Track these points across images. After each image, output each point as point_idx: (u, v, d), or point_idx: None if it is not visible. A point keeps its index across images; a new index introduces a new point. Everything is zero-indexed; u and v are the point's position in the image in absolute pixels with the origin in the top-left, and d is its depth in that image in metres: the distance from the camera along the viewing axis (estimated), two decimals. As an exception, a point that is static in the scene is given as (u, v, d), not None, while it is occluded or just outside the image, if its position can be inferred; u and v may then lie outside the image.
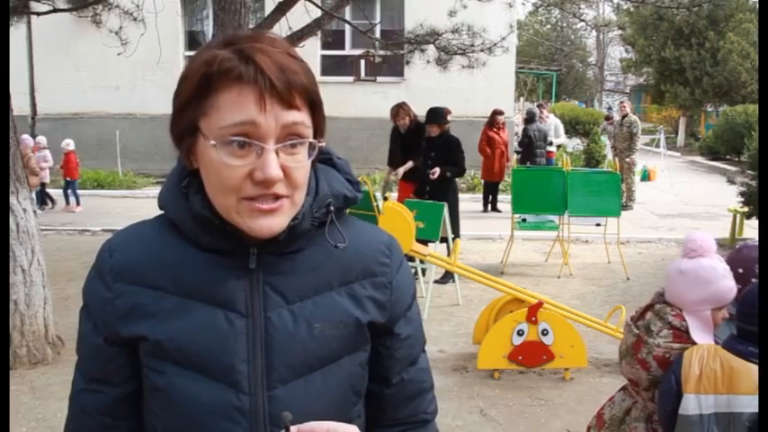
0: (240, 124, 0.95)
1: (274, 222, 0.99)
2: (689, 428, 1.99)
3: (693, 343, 2.15)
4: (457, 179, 7.36)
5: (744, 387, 1.94)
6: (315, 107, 1.02)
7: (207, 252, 1.05)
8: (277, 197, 0.98)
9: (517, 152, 12.08)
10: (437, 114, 7.06)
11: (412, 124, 7.44)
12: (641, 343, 2.27)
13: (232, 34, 1.03)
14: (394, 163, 7.72)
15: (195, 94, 0.98)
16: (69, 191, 10.99)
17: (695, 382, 2.00)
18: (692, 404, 1.99)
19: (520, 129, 15.53)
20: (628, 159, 11.20)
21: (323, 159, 1.12)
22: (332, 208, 1.08)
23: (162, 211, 1.10)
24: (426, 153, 7.07)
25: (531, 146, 11.34)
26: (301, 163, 0.99)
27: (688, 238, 2.31)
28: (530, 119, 11.62)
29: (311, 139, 1.01)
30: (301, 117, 0.98)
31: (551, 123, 13.03)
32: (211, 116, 0.97)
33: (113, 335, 1.06)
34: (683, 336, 2.21)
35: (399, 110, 7.52)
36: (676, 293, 2.29)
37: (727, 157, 19.41)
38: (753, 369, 1.94)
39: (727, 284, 2.21)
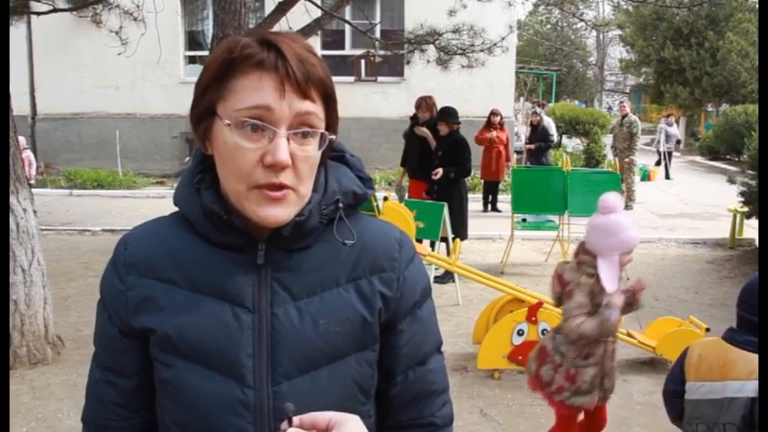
0: (256, 108, 0.97)
1: (281, 212, 1.00)
2: (691, 411, 2.16)
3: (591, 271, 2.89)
4: (465, 180, 7.22)
5: (736, 373, 2.04)
6: (329, 101, 1.04)
7: (217, 248, 1.06)
8: (282, 187, 0.99)
9: (518, 152, 12.07)
10: (447, 114, 6.99)
11: (431, 121, 7.16)
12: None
13: (254, 30, 1.05)
14: (410, 164, 7.46)
15: (215, 78, 1.00)
16: None
17: (695, 371, 2.16)
18: (691, 390, 2.17)
19: (520, 129, 15.56)
20: (627, 159, 11.21)
21: (336, 156, 1.13)
22: (340, 205, 1.08)
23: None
24: (434, 152, 7.04)
25: (548, 146, 11.58)
26: (310, 154, 1.01)
27: (602, 199, 2.90)
28: (541, 119, 11.75)
29: (322, 130, 1.02)
30: (315, 108, 1.00)
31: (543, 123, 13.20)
32: (229, 99, 0.99)
33: (126, 327, 1.08)
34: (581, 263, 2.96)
35: (422, 102, 7.32)
36: (592, 243, 2.91)
37: (727, 156, 19.39)
38: (747, 356, 2.03)
39: (630, 234, 2.88)
